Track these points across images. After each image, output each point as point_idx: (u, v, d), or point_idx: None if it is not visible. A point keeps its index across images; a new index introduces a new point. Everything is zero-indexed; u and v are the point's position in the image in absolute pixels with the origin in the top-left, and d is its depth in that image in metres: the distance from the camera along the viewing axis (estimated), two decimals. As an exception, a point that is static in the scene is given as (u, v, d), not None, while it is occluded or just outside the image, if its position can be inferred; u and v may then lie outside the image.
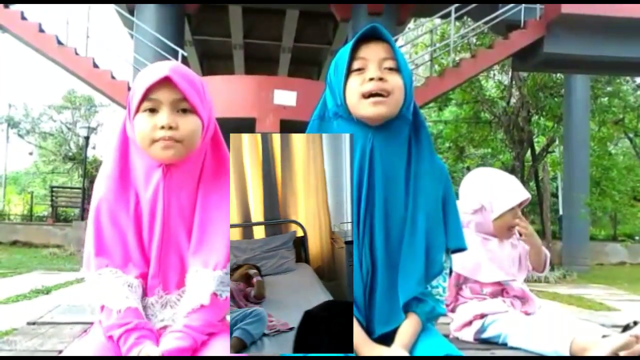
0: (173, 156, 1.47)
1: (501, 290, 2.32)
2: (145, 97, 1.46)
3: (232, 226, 2.28)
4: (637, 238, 17.80)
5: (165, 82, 1.44)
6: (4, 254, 12.44)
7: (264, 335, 1.45)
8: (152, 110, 1.47)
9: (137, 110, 1.48)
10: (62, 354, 1.38)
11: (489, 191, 2.31)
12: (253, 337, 1.41)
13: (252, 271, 1.87)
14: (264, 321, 1.45)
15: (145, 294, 1.51)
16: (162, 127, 1.45)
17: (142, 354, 1.35)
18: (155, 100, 1.46)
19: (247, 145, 2.48)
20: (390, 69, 1.55)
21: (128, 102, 1.52)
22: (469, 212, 2.34)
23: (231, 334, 1.41)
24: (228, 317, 1.64)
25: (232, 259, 2.05)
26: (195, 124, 1.49)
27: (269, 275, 1.90)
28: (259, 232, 2.58)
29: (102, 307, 1.46)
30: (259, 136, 2.48)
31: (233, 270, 1.93)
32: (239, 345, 1.38)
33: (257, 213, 2.53)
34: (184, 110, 1.48)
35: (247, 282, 1.83)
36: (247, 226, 2.53)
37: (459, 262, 2.24)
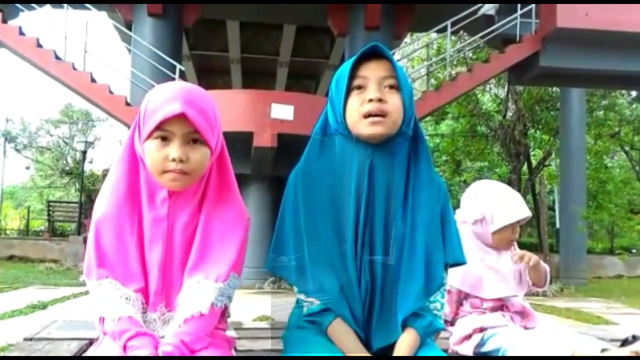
0: (180, 186, 1.49)
1: (501, 305, 2.31)
2: (157, 127, 1.45)
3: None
4: (634, 251, 17.81)
5: (179, 116, 1.43)
6: (0, 269, 12.38)
7: None
8: (164, 138, 1.46)
9: (148, 136, 1.47)
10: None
11: (491, 203, 2.31)
12: None
13: None
14: None
15: (147, 309, 1.51)
16: (173, 160, 1.45)
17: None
18: (168, 131, 1.46)
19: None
20: (391, 87, 1.56)
21: (138, 123, 1.51)
22: (469, 221, 2.33)
23: None
24: (233, 333, 1.64)
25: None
26: (204, 154, 1.49)
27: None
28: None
29: (102, 319, 1.46)
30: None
31: None
32: None
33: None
34: (195, 140, 1.48)
35: None
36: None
37: (460, 279, 2.24)
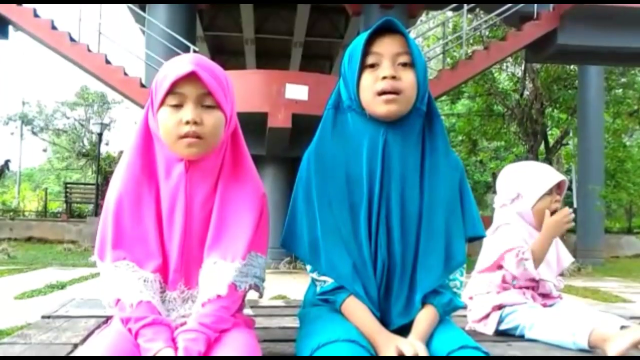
0: (197, 153, 1.47)
1: (532, 286, 2.28)
2: (170, 91, 1.44)
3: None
4: (652, 230, 17.66)
5: (191, 76, 1.43)
6: (19, 250, 12.53)
7: None
8: (177, 105, 1.45)
9: (161, 104, 1.46)
10: (84, 346, 1.36)
11: (523, 179, 2.29)
12: None
13: None
14: None
15: (166, 288, 1.50)
16: (187, 123, 1.43)
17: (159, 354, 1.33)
18: (181, 94, 1.45)
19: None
20: (404, 64, 1.54)
21: (151, 94, 1.51)
22: (508, 202, 2.31)
23: None
24: (249, 311, 1.63)
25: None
26: (219, 119, 1.47)
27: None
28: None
29: (117, 301, 1.44)
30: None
31: None
32: None
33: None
34: (208, 106, 1.46)
35: None
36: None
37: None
